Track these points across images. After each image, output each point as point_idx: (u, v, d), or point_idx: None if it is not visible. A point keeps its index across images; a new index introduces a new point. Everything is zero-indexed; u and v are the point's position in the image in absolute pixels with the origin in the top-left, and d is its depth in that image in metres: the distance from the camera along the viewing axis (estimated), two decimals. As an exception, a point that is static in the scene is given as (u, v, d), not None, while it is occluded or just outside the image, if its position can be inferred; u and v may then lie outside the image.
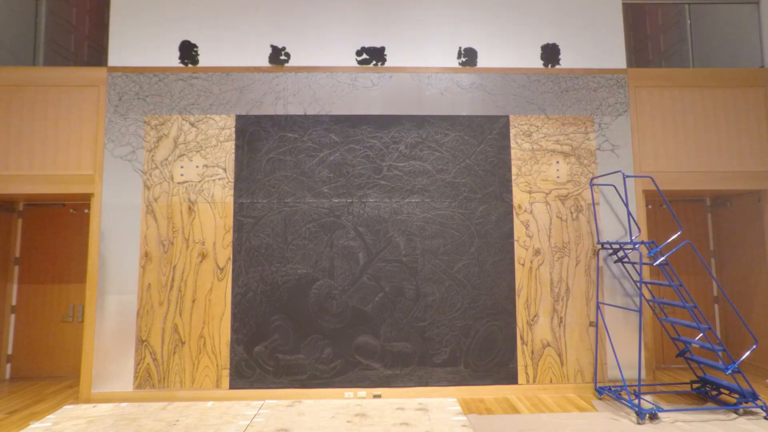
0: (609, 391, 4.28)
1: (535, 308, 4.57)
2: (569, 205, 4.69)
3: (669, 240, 4.39)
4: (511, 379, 4.47)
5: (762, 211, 5.00)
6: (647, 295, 4.57)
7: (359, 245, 4.57)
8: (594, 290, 4.59)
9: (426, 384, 4.45)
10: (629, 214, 4.22)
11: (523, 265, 4.61)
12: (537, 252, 4.63)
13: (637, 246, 4.08)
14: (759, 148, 4.89)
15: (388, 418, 3.83)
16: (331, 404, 4.20)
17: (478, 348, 4.50)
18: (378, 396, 4.39)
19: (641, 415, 3.70)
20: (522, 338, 4.52)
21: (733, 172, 4.85)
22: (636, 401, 3.84)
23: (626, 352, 4.48)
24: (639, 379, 3.82)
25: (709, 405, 4.08)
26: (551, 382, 4.49)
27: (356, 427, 3.65)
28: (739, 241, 5.30)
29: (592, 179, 4.68)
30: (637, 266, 4.49)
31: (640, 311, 4.03)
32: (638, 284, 4.38)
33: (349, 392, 4.40)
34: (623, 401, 4.02)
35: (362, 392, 4.40)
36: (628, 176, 4.19)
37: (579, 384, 4.49)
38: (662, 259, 4.07)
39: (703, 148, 4.86)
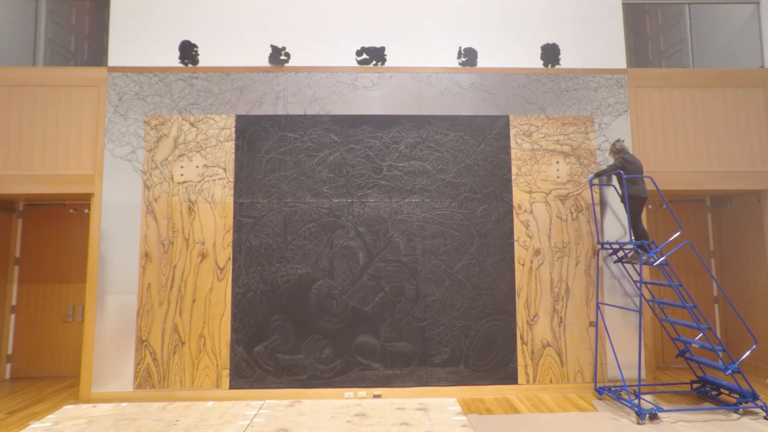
0: (609, 391, 4.28)
1: (535, 308, 4.57)
2: (569, 205, 4.69)
3: (669, 240, 4.39)
4: (511, 379, 4.47)
5: (762, 211, 5.00)
6: (647, 295, 4.57)
7: (359, 245, 4.57)
8: (594, 290, 4.59)
9: (426, 384, 4.45)
10: (628, 214, 4.22)
11: (523, 265, 4.61)
12: (537, 252, 4.63)
13: (636, 246, 4.09)
14: (759, 148, 4.89)
15: (388, 418, 3.83)
16: (331, 404, 4.20)
17: (478, 348, 4.50)
18: (378, 396, 4.39)
19: (641, 415, 3.70)
20: (522, 338, 4.52)
21: (733, 172, 4.85)
22: (636, 401, 3.84)
23: (626, 352, 4.48)
24: (639, 379, 3.83)
25: (709, 405, 4.07)
26: (551, 382, 4.49)
27: (356, 427, 3.65)
28: (739, 241, 5.30)
29: (591, 179, 4.67)
30: (637, 266, 4.48)
31: (640, 311, 4.03)
32: (638, 284, 4.38)
33: (349, 392, 4.40)
34: (623, 401, 4.02)
35: (362, 392, 4.40)
36: (627, 176, 4.19)
37: (579, 384, 4.49)
38: (662, 259, 4.07)
39: (703, 148, 4.86)
